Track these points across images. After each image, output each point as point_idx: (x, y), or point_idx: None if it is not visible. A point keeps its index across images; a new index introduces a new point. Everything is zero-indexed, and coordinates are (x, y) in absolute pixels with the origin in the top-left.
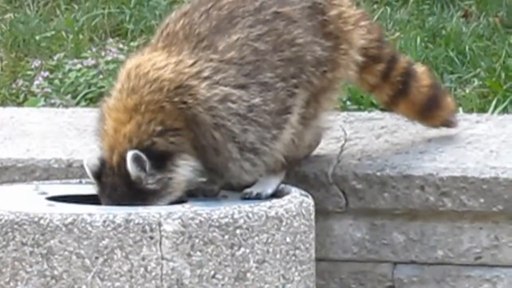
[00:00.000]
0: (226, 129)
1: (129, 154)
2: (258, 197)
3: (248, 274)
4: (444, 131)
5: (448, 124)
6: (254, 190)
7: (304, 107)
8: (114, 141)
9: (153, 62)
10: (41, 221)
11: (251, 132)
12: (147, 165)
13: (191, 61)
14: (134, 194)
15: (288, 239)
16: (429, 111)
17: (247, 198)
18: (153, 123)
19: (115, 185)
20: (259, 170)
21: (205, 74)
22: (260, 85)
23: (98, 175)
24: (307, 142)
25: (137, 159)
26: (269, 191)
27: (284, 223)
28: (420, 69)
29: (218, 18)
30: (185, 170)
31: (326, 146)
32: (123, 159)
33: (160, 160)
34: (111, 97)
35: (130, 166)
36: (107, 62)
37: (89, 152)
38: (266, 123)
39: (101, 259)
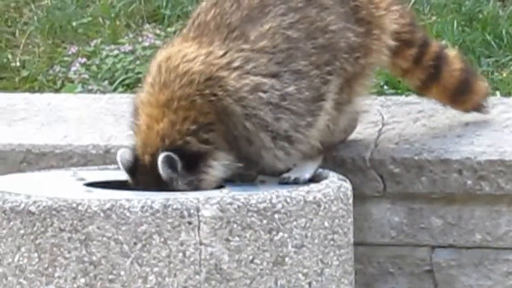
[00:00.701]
0: (257, 119)
1: (161, 156)
2: (296, 182)
3: (287, 259)
4: (480, 115)
5: (480, 108)
6: (292, 175)
7: (337, 93)
8: (147, 139)
9: (184, 54)
10: (79, 207)
11: (284, 120)
12: (179, 166)
13: (221, 52)
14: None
15: (326, 224)
16: (461, 95)
17: (285, 183)
18: (187, 122)
19: (148, 184)
20: (293, 159)
21: (236, 64)
22: (294, 73)
23: (132, 171)
24: (342, 127)
25: (168, 161)
26: (307, 175)
27: (322, 208)
28: (452, 53)
29: (249, 7)
30: (217, 170)
31: (363, 131)
32: (154, 159)
33: (193, 160)
34: (143, 90)
35: (162, 168)
36: (144, 48)
37: (125, 139)
38: (301, 111)
39: (139, 245)
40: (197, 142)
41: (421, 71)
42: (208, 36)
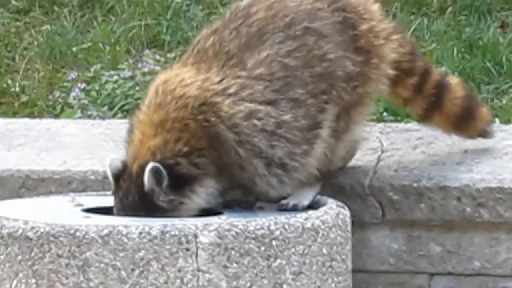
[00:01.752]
0: (251, 145)
1: (149, 166)
2: (295, 209)
3: (285, 286)
4: (480, 142)
5: (485, 134)
6: (291, 201)
7: (335, 122)
8: (137, 151)
9: (181, 78)
10: (77, 233)
11: (279, 148)
12: (165, 182)
13: (218, 78)
14: (143, 205)
15: (324, 251)
16: (464, 122)
17: (283, 209)
18: (180, 143)
19: (128, 191)
20: (287, 187)
21: (231, 90)
22: (291, 101)
23: (117, 178)
24: (340, 155)
25: (156, 172)
26: (305, 202)
27: (320, 235)
28: (454, 80)
29: (248, 35)
30: (200, 198)
31: (362, 157)
32: (142, 170)
33: (179, 182)
34: (140, 110)
35: (147, 177)
36: (143, 74)
37: None
38: (296, 139)
39: (137, 271)
40: (188, 164)
41: (422, 99)
42: (206, 63)
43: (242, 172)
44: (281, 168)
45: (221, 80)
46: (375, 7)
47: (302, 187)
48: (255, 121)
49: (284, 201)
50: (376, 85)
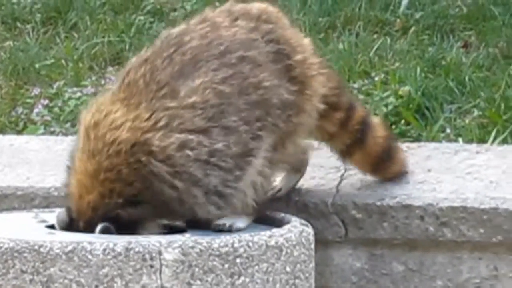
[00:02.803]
0: (187, 175)
1: (99, 227)
2: (230, 230)
3: None
4: (443, 161)
5: (400, 177)
6: (227, 222)
7: (270, 151)
8: (80, 206)
9: (111, 120)
10: (41, 249)
11: (213, 176)
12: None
13: (147, 114)
14: None
15: (288, 268)
16: (383, 163)
17: (218, 230)
18: (114, 195)
19: None
20: (225, 213)
21: (161, 124)
22: (224, 129)
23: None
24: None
25: (106, 231)
26: (241, 225)
27: (284, 253)
28: (375, 120)
29: (181, 63)
30: (152, 230)
31: (325, 176)
32: (89, 225)
33: (124, 228)
34: (75, 155)
35: None
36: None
37: None
38: (228, 166)
39: (101, 287)
40: (127, 214)
41: (347, 135)
42: (136, 96)
43: (181, 205)
44: (217, 196)
45: (150, 115)
46: (307, 41)
47: (239, 214)
48: (188, 151)
49: (219, 222)
50: (309, 116)
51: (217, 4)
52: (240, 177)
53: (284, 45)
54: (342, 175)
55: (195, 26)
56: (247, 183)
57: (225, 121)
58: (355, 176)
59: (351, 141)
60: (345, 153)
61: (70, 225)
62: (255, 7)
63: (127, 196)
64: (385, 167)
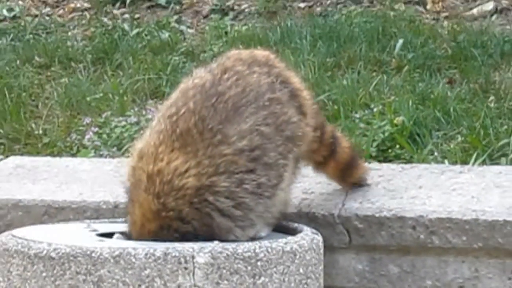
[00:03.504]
0: (245, 205)
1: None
2: (253, 238)
3: None
4: (432, 179)
5: (362, 182)
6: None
7: (290, 175)
8: (140, 233)
9: (174, 167)
10: (93, 254)
11: (260, 205)
12: None
13: (207, 161)
14: None
15: (301, 270)
16: (350, 170)
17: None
18: (172, 230)
19: None
20: (260, 230)
21: (221, 170)
22: (265, 165)
23: None
24: (289, 200)
25: None
26: (263, 233)
27: (297, 257)
28: (339, 133)
29: (226, 110)
30: None
31: (334, 192)
32: None
33: None
34: (138, 193)
35: None
36: (147, 120)
37: None
38: (269, 195)
39: (143, 286)
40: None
41: (324, 148)
42: (192, 145)
43: (228, 233)
44: (262, 219)
45: (210, 162)
46: (298, 77)
47: (265, 225)
48: (245, 186)
49: None
50: (309, 142)
51: (241, 46)
52: (275, 203)
53: (292, 84)
54: (347, 191)
55: (221, 76)
56: (276, 204)
57: (266, 158)
58: (358, 192)
59: (327, 153)
60: (322, 164)
61: None
62: (259, 54)
63: (182, 233)
64: (352, 173)
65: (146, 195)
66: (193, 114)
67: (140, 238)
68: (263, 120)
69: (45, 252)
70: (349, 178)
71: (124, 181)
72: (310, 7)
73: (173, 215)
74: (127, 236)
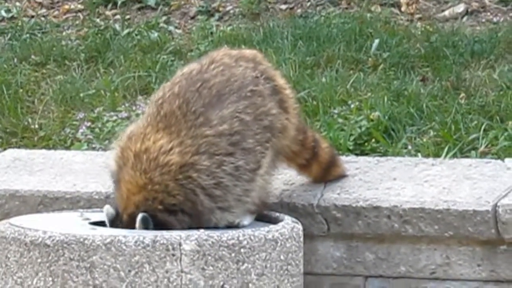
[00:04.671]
0: (224, 185)
1: (140, 216)
2: (237, 226)
3: (250, 285)
4: (406, 171)
5: (341, 177)
6: (235, 219)
7: (270, 165)
8: (126, 204)
9: (159, 145)
10: (85, 241)
11: (239, 187)
12: (151, 226)
13: (190, 141)
14: None
15: (282, 257)
16: (331, 168)
17: (228, 226)
18: (156, 202)
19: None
20: (241, 214)
21: (202, 149)
22: (244, 150)
23: (112, 223)
24: (270, 191)
25: (144, 221)
26: (245, 222)
27: (279, 244)
28: (318, 135)
29: (210, 96)
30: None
31: (313, 183)
32: (131, 218)
33: (160, 227)
34: (125, 171)
35: (138, 225)
36: (137, 115)
37: None
38: (247, 178)
39: (133, 272)
40: (164, 219)
41: (306, 151)
42: (176, 125)
43: (213, 213)
44: (241, 202)
45: (192, 141)
46: (283, 77)
47: (246, 213)
48: (224, 167)
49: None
50: (290, 140)
51: (226, 46)
52: (253, 188)
53: (275, 82)
54: (325, 183)
55: (208, 66)
56: (255, 190)
57: (245, 144)
58: (336, 184)
59: (309, 156)
60: (305, 166)
61: (115, 218)
62: (247, 52)
63: (167, 205)
64: (333, 171)
65: (133, 172)
66: (178, 97)
67: (126, 210)
68: (243, 109)
69: (40, 239)
70: (330, 176)
71: (109, 164)
72: (291, 9)
73: (159, 189)
74: (115, 209)
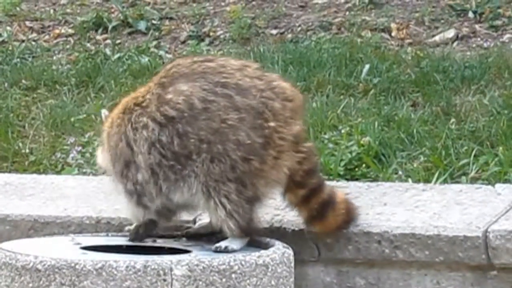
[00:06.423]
0: (141, 144)
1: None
2: (226, 250)
3: None
4: (397, 197)
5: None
6: (223, 244)
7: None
8: None
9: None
10: (77, 266)
11: (153, 155)
12: None
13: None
14: None
15: (273, 282)
16: (345, 227)
17: (218, 251)
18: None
19: None
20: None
21: (144, 104)
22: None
23: None
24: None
25: None
26: (235, 247)
27: (270, 269)
28: (340, 198)
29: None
30: None
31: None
32: None
33: None
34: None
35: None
36: None
37: (113, 212)
38: (168, 156)
39: None
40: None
41: (307, 210)
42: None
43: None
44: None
45: (145, 95)
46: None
47: (235, 237)
48: (144, 132)
49: (218, 244)
50: (286, 164)
51: None
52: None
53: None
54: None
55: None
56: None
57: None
58: None
59: (309, 216)
60: (307, 223)
61: None
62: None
63: None
64: (346, 226)
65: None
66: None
67: None
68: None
69: (31, 264)
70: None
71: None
72: (281, 33)
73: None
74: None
